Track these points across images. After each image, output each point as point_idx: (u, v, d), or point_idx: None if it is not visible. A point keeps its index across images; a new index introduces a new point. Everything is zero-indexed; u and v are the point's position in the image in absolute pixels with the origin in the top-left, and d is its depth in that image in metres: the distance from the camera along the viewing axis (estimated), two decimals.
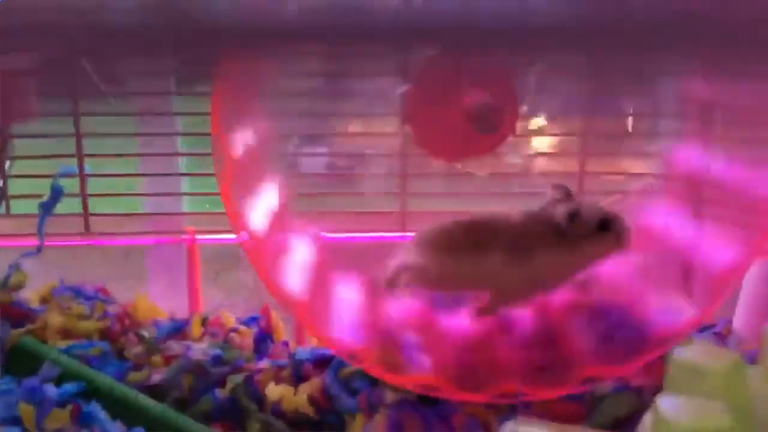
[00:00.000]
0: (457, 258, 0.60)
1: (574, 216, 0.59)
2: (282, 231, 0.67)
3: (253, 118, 0.67)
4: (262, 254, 0.58)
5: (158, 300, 0.81)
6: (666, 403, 0.34)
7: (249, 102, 0.66)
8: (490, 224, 0.61)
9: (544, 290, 0.64)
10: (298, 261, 0.66)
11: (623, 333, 0.60)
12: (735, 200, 0.62)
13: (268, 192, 0.67)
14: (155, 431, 0.60)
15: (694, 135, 0.71)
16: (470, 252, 0.60)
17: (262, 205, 0.63)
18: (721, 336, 0.71)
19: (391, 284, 0.62)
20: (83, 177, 0.76)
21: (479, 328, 0.63)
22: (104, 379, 0.62)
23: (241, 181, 0.58)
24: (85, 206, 0.77)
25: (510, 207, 0.64)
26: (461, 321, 0.66)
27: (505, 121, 0.67)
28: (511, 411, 0.58)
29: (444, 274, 0.61)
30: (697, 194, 0.68)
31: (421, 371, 0.59)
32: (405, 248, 0.62)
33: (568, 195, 0.62)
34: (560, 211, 0.59)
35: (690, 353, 0.38)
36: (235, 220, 0.56)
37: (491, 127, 0.66)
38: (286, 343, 0.74)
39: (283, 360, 0.69)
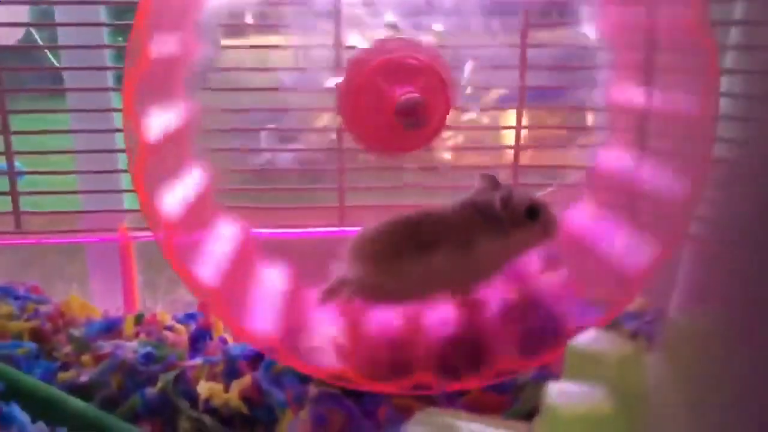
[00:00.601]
0: (400, 263, 0.60)
1: (507, 201, 0.59)
2: (201, 223, 0.67)
3: (173, 102, 0.65)
4: (178, 245, 0.57)
5: (100, 299, 0.80)
6: (555, 390, 0.34)
7: (169, 82, 0.65)
8: (429, 222, 0.61)
9: (484, 279, 0.64)
10: (217, 253, 0.65)
11: (542, 326, 0.61)
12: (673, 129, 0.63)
13: (187, 182, 0.66)
14: (81, 431, 0.59)
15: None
16: (413, 254, 0.60)
17: (179, 195, 0.62)
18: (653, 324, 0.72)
19: (330, 297, 0.62)
20: (12, 174, 0.74)
21: (398, 322, 0.64)
22: (28, 379, 0.61)
23: (155, 169, 0.56)
24: (15, 204, 0.75)
25: (441, 199, 0.65)
26: (380, 313, 0.66)
27: (434, 117, 0.67)
28: (434, 403, 0.58)
29: (388, 282, 0.61)
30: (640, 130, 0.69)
31: (333, 361, 0.59)
32: (342, 261, 0.62)
33: (495, 184, 0.62)
34: (494, 198, 0.60)
35: (586, 341, 0.38)
36: (148, 210, 0.55)
37: (418, 123, 0.66)
38: (224, 340, 0.73)
39: (217, 357, 0.68)
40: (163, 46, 0.58)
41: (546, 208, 0.61)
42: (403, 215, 0.62)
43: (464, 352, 0.61)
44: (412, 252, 0.60)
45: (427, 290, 0.64)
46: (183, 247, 0.57)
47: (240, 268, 0.65)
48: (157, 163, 0.57)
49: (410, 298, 0.64)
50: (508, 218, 0.60)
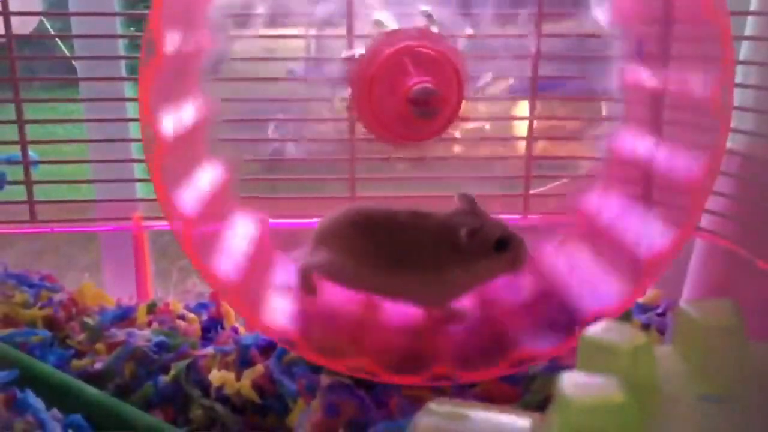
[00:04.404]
0: (374, 269, 0.62)
1: (473, 234, 0.59)
2: (218, 216, 0.67)
3: (189, 96, 0.66)
4: (195, 239, 0.57)
5: (113, 288, 0.81)
6: (567, 380, 0.34)
7: (183, 77, 0.65)
8: (405, 241, 0.62)
9: (453, 299, 0.65)
10: (234, 246, 0.65)
11: (557, 316, 0.61)
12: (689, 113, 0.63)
13: (203, 176, 0.66)
14: (94, 418, 0.59)
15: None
16: (387, 265, 0.62)
17: (196, 190, 0.62)
18: (664, 317, 0.72)
19: (304, 279, 0.63)
20: (27, 163, 0.75)
21: (418, 315, 0.64)
22: (42, 366, 0.62)
23: (172, 163, 0.57)
24: (29, 193, 0.75)
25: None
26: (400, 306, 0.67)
27: (446, 107, 0.67)
28: (445, 394, 0.58)
29: (359, 274, 0.62)
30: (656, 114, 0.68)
31: (356, 356, 0.59)
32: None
33: (472, 205, 0.63)
34: (462, 229, 0.60)
35: (599, 332, 0.38)
36: (166, 205, 0.56)
37: (431, 112, 0.66)
38: (235, 329, 0.74)
39: (229, 346, 0.69)
40: (177, 40, 0.58)
41: (516, 239, 0.61)
42: (386, 213, 0.63)
43: (481, 342, 0.61)
44: (385, 262, 0.62)
45: (398, 297, 0.65)
46: (201, 241, 0.58)
47: (256, 260, 0.65)
48: (174, 158, 0.57)
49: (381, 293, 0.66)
50: (475, 250, 0.60)
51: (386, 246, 0.62)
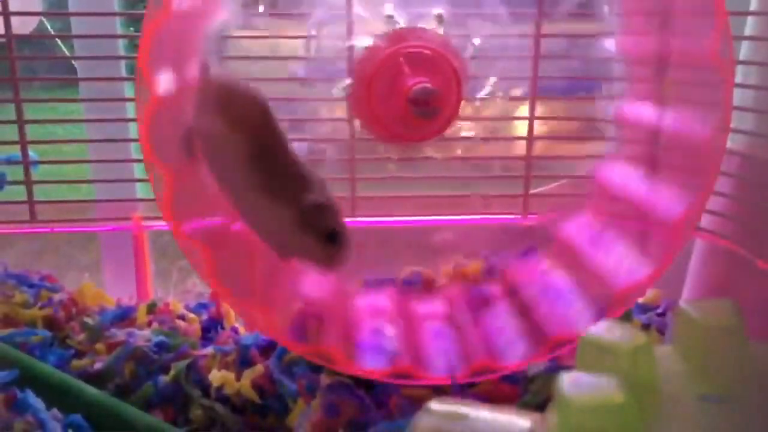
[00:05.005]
0: (248, 175, 0.57)
1: (316, 206, 0.57)
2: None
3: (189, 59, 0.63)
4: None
5: (113, 288, 0.81)
6: (567, 380, 0.34)
7: (188, 39, 0.63)
8: (284, 173, 0.57)
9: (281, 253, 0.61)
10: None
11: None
12: (680, 148, 0.64)
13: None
14: (94, 418, 0.59)
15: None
16: (259, 184, 0.57)
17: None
18: (664, 317, 0.72)
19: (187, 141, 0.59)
20: (26, 163, 0.75)
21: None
22: (42, 366, 0.62)
23: (162, 124, 0.56)
24: (29, 193, 0.75)
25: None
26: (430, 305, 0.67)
27: (446, 107, 0.67)
28: (445, 394, 0.58)
29: (234, 174, 0.57)
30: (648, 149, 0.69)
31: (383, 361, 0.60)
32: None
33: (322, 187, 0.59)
34: (311, 196, 0.57)
35: (599, 332, 0.38)
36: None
37: (431, 112, 0.66)
38: (235, 330, 0.74)
39: (229, 346, 0.69)
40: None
41: (347, 243, 0.58)
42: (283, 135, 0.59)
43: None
44: (259, 179, 0.57)
45: (251, 220, 0.60)
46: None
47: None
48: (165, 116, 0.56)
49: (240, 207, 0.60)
50: (309, 222, 0.56)
51: (270, 163, 0.57)
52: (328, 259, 0.58)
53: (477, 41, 0.71)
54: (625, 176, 0.70)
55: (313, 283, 0.69)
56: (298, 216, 0.56)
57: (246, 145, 0.57)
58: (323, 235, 0.57)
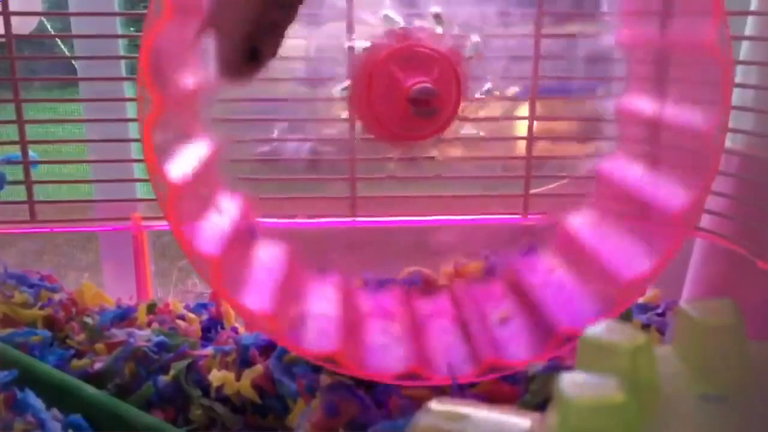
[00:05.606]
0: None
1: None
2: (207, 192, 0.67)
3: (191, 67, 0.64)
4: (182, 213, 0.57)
5: (113, 288, 0.81)
6: (567, 380, 0.34)
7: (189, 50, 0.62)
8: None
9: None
10: (220, 226, 0.65)
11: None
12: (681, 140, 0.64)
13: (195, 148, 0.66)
14: (94, 418, 0.59)
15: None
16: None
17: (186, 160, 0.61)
18: (664, 317, 0.72)
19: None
20: (26, 163, 0.75)
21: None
22: (42, 366, 0.62)
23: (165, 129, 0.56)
24: (29, 193, 0.75)
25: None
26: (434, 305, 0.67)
27: (446, 106, 0.67)
28: (445, 394, 0.58)
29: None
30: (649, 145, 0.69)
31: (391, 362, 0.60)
32: None
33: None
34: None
35: (598, 332, 0.38)
36: (154, 168, 0.55)
37: (430, 112, 0.66)
38: (235, 329, 0.74)
39: (229, 346, 0.69)
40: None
41: (264, 60, 0.52)
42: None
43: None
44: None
45: None
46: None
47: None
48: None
49: None
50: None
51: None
52: (248, 74, 0.52)
53: (476, 41, 0.71)
54: (625, 172, 0.70)
55: (318, 288, 0.69)
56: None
57: None
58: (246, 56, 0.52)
